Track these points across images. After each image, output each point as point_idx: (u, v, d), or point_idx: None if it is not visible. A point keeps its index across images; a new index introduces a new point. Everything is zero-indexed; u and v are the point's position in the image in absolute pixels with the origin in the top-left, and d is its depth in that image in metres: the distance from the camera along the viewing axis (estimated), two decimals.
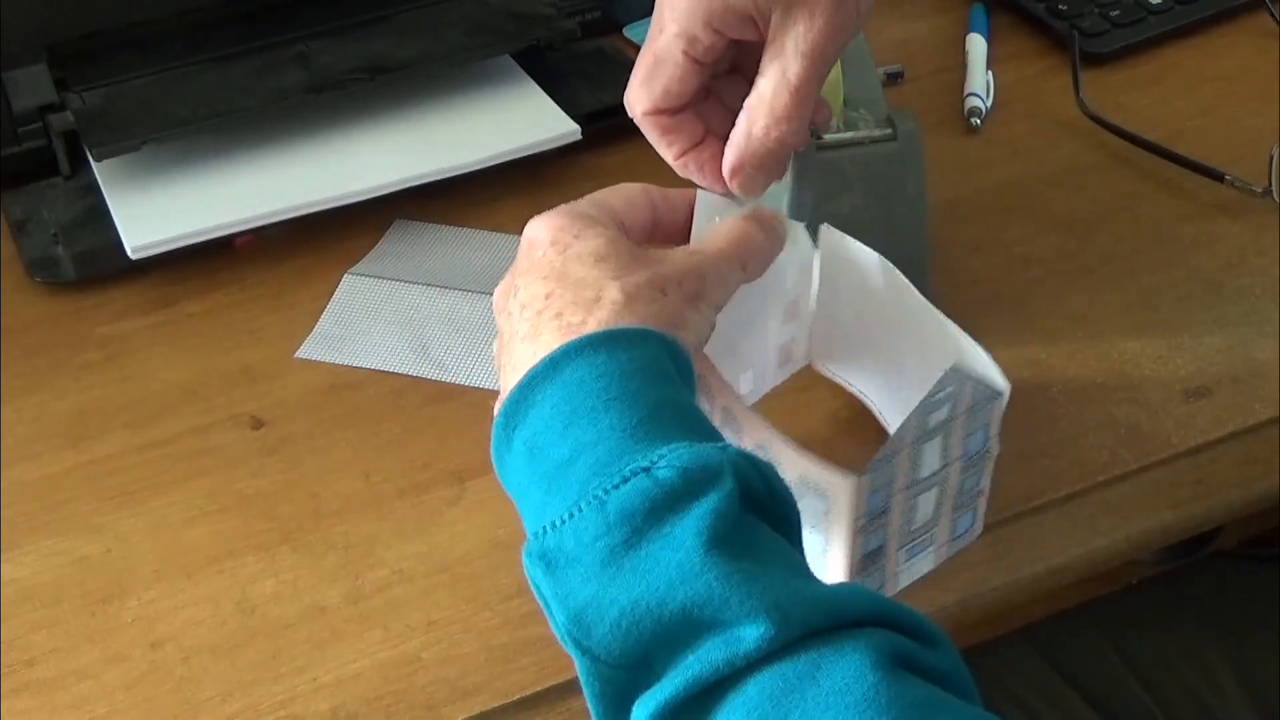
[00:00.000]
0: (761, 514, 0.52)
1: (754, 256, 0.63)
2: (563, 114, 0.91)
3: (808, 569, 0.52)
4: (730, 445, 0.53)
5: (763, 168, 0.62)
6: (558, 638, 0.52)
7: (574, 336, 0.56)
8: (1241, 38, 0.98)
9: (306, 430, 0.75)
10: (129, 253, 0.83)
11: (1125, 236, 0.84)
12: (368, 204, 0.86)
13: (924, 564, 0.67)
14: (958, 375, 0.61)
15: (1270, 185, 0.84)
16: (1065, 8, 0.99)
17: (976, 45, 0.97)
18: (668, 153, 0.65)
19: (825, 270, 0.70)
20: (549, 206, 0.88)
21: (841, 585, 0.51)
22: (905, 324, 0.68)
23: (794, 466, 0.61)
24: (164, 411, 0.77)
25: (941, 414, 0.61)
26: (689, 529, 0.50)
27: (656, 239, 0.64)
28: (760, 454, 0.58)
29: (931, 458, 0.62)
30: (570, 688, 0.63)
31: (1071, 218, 0.86)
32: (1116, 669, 0.81)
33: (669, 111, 0.63)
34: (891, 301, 0.68)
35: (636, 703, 0.49)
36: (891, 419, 0.72)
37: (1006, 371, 0.76)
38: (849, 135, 0.72)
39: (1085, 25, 0.98)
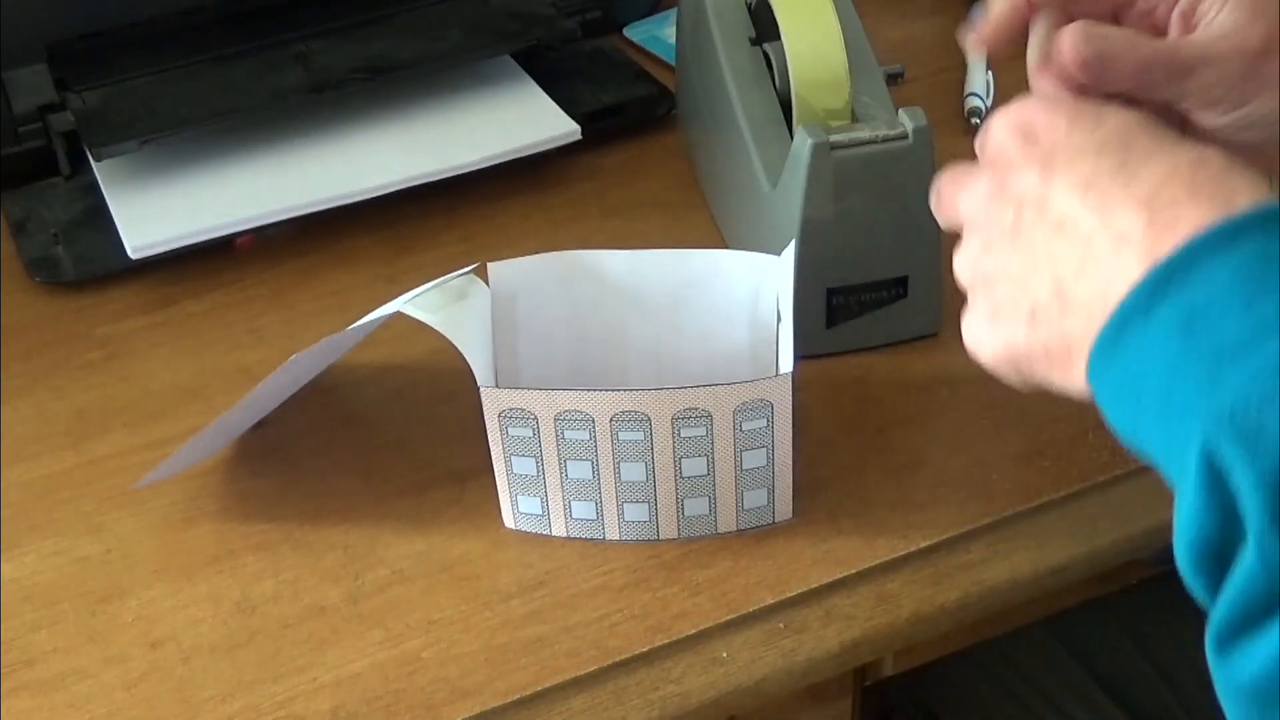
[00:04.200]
0: None
1: None
2: (563, 114, 0.91)
3: None
4: None
5: (1097, 54, 0.57)
6: (1252, 492, 0.44)
7: (1210, 195, 0.48)
8: None
9: (306, 430, 0.75)
10: (129, 253, 0.83)
11: None
12: (368, 204, 0.86)
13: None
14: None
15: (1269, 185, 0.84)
16: None
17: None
18: None
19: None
20: (549, 206, 0.89)
21: None
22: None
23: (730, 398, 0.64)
24: (164, 411, 0.77)
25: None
26: None
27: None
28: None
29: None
30: (570, 687, 0.63)
31: None
32: (1134, 657, 0.81)
33: None
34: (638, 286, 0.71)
35: None
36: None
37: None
38: (861, 135, 0.72)
39: None
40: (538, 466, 0.66)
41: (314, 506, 0.71)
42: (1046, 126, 0.53)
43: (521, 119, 0.91)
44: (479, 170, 0.88)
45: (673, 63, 0.95)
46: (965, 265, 0.56)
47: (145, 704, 0.63)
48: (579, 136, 0.90)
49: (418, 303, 0.66)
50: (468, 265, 0.70)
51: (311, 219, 0.86)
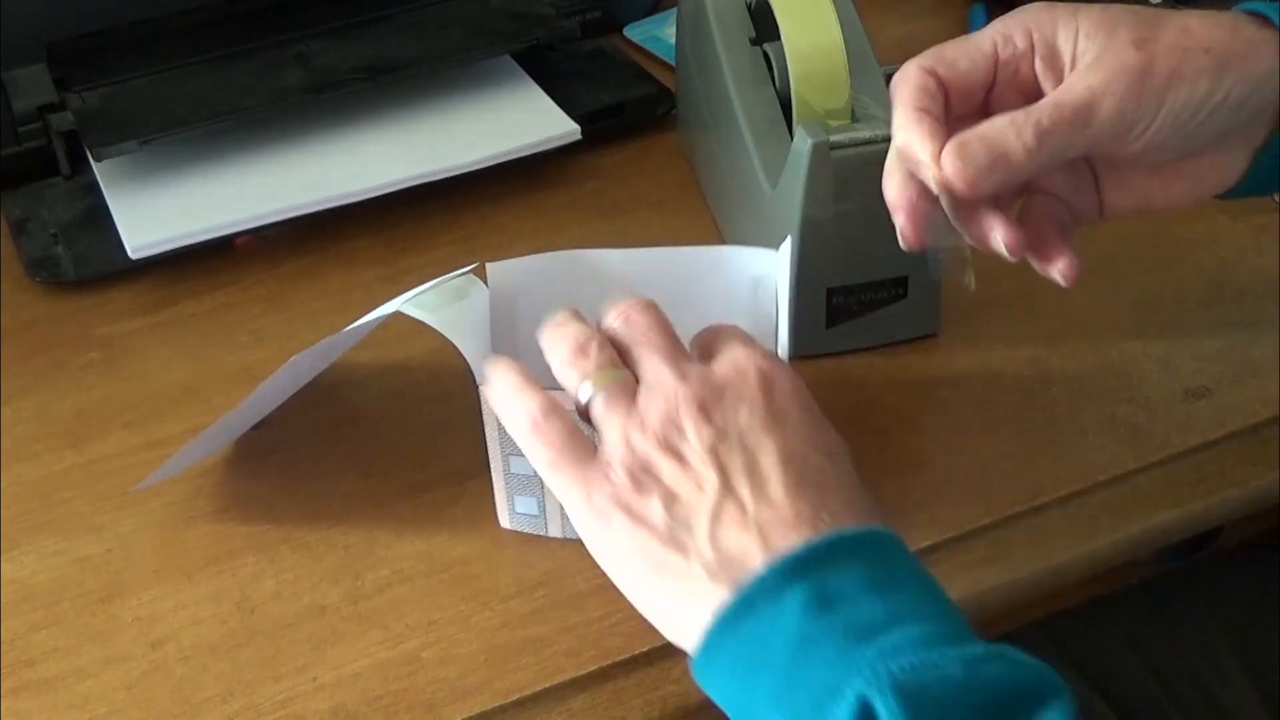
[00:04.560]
0: None
1: None
2: (563, 114, 0.91)
3: None
4: None
5: (990, 157, 0.59)
6: None
7: (862, 518, 0.54)
8: None
9: (306, 430, 0.75)
10: (129, 253, 0.83)
11: (1125, 236, 0.84)
12: (368, 204, 0.86)
13: None
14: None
15: None
16: None
17: None
18: (909, 101, 0.61)
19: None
20: (549, 206, 0.89)
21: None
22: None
23: None
24: (164, 411, 0.77)
25: None
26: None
27: None
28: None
29: None
30: (570, 687, 0.63)
31: None
32: (1129, 662, 0.81)
33: (938, 80, 0.61)
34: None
35: None
36: None
37: (1006, 371, 0.76)
38: (861, 134, 0.72)
39: None
40: None
41: (314, 506, 0.71)
42: (787, 394, 0.56)
43: (521, 119, 0.91)
44: (479, 170, 0.88)
45: (673, 63, 0.95)
46: (611, 416, 0.56)
47: (145, 704, 0.63)
48: (579, 136, 0.90)
49: (417, 302, 0.66)
50: (468, 265, 0.70)
51: (311, 219, 0.86)
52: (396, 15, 0.95)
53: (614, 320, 0.59)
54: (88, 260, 0.85)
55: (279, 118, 0.89)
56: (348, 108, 0.91)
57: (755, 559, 0.52)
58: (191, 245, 0.84)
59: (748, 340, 0.59)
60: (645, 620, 0.65)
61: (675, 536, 0.54)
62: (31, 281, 0.84)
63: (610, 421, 0.56)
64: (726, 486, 0.54)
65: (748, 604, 0.51)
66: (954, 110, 0.62)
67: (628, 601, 0.66)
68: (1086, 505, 0.70)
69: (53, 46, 0.90)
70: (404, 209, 0.87)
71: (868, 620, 0.50)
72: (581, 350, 0.58)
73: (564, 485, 0.57)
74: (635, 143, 0.93)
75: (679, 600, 0.54)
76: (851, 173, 0.72)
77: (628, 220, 0.88)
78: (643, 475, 0.55)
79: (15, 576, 0.69)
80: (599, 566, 0.67)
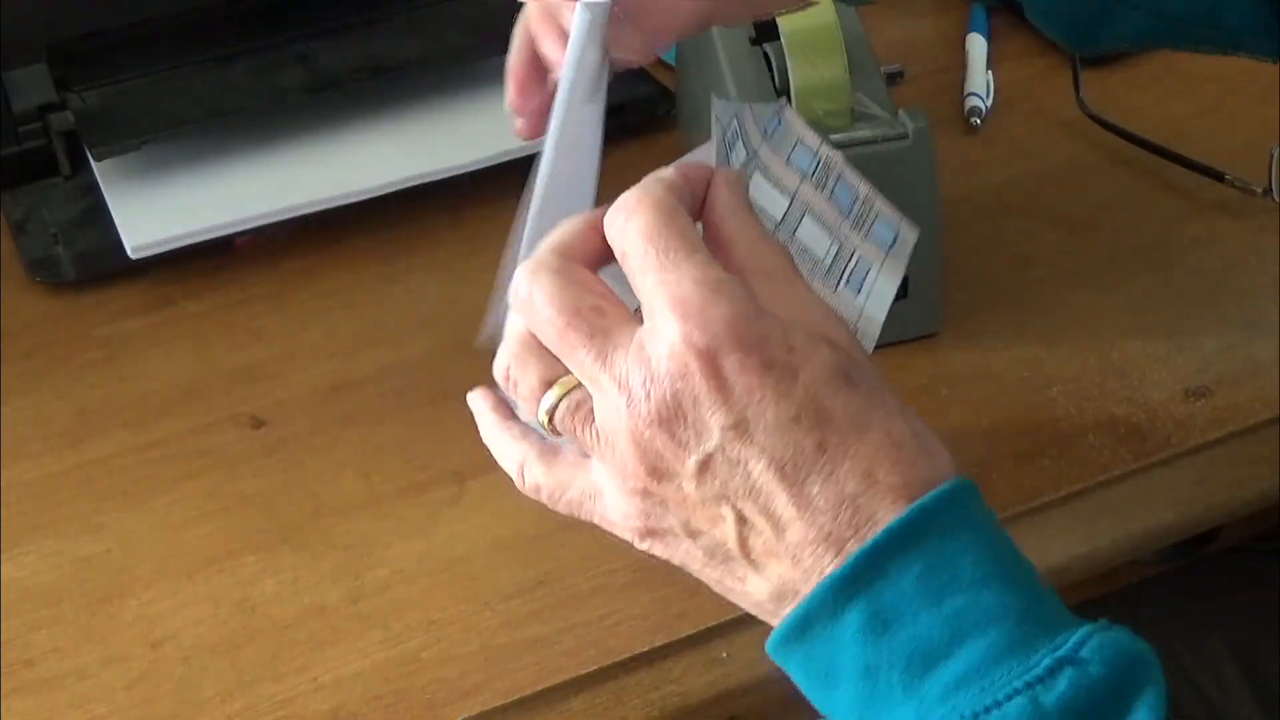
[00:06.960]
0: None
1: None
2: None
3: None
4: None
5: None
6: None
7: (907, 496, 0.48)
8: None
9: (306, 430, 0.75)
10: (129, 253, 0.83)
11: (1125, 236, 0.84)
12: (368, 204, 0.86)
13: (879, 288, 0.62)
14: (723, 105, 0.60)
15: (1270, 185, 0.84)
16: None
17: (976, 45, 0.97)
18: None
19: None
20: None
21: None
22: None
23: None
24: (164, 411, 0.77)
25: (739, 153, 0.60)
26: None
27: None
28: None
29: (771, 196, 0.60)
30: (570, 688, 0.63)
31: (1072, 218, 0.86)
32: None
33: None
34: None
35: None
36: None
37: (1006, 371, 0.76)
38: (862, 135, 0.72)
39: None
40: None
41: (314, 506, 0.71)
42: (737, 369, 0.47)
43: None
44: (480, 170, 0.88)
45: (673, 63, 0.95)
46: (606, 447, 0.50)
47: (145, 704, 0.63)
48: None
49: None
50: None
51: (311, 219, 0.86)
52: (396, 15, 0.95)
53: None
54: (88, 260, 0.85)
55: (279, 118, 0.89)
56: (348, 108, 0.91)
57: (804, 585, 0.48)
58: (191, 245, 0.84)
59: (662, 280, 0.49)
60: (645, 620, 0.65)
61: (720, 564, 0.51)
62: (31, 281, 0.84)
63: (589, 446, 0.51)
64: (739, 516, 0.49)
65: (806, 625, 0.48)
66: None
67: (627, 601, 0.66)
68: (1086, 505, 0.70)
69: (53, 46, 0.90)
70: (404, 209, 0.87)
71: (928, 643, 0.46)
72: (510, 383, 0.53)
73: (602, 524, 0.53)
74: (635, 143, 0.93)
75: (751, 607, 0.52)
76: None
77: None
78: (652, 510, 0.51)
79: (15, 576, 0.69)
80: (599, 566, 0.67)
